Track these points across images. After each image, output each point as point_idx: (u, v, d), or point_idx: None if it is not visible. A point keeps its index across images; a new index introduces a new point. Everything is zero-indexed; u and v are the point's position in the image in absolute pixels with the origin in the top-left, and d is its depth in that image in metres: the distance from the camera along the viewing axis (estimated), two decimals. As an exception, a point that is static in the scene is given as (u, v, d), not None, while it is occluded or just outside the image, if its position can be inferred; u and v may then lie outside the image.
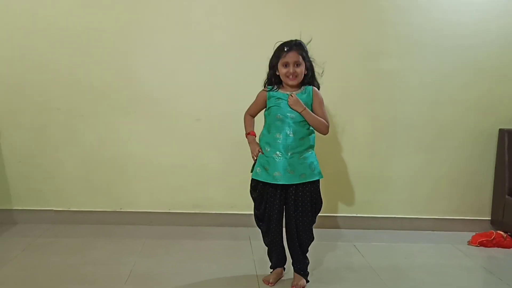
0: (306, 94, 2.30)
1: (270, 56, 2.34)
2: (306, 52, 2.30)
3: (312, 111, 2.30)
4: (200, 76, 3.17)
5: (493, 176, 3.39)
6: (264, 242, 2.45)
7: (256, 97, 2.41)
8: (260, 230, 2.46)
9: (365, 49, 3.24)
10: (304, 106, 2.26)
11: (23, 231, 3.04)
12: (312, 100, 2.31)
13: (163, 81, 3.17)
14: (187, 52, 3.15)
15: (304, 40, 2.34)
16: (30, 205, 3.20)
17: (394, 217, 3.39)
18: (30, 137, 3.14)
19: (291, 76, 2.26)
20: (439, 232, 3.38)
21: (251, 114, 2.47)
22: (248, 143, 2.43)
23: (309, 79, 2.33)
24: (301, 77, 2.29)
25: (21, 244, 2.81)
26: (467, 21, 3.24)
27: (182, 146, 3.23)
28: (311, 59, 2.32)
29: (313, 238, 2.43)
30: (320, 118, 2.30)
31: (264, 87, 2.40)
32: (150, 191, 3.25)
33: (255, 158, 2.37)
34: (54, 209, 3.21)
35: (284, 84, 2.33)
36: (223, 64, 3.17)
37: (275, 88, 2.34)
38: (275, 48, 2.31)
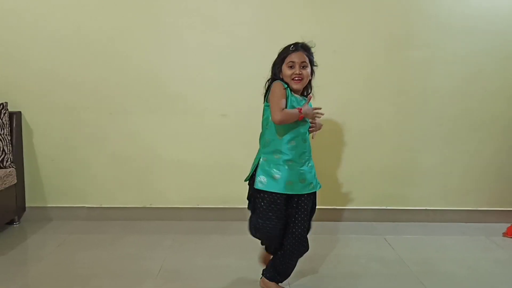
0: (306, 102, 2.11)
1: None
2: (313, 56, 2.13)
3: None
4: (225, 72, 3.17)
5: (528, 166, 3.29)
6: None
7: (278, 90, 2.06)
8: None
9: (391, 38, 3.17)
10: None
11: (58, 228, 3.12)
12: None
13: (189, 78, 3.19)
14: (212, 48, 3.16)
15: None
16: (63, 202, 3.28)
17: (425, 209, 3.33)
18: (62, 136, 3.22)
19: (296, 78, 2.06)
20: (472, 224, 3.29)
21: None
22: (305, 114, 2.06)
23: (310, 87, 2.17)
24: (306, 80, 2.10)
25: (56, 240, 2.89)
26: (498, 5, 3.13)
27: (209, 141, 3.24)
28: (314, 67, 2.15)
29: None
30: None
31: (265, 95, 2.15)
32: (179, 187, 3.29)
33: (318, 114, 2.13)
34: (87, 206, 3.29)
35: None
36: (247, 59, 3.16)
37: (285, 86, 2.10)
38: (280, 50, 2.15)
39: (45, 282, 2.34)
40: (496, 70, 3.20)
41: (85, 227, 3.16)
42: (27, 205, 3.25)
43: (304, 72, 2.06)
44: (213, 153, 3.26)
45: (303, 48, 2.10)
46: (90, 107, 3.19)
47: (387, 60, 3.19)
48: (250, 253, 2.74)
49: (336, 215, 3.32)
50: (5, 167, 2.99)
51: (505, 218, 3.26)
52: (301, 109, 2.04)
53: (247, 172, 3.46)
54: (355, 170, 3.30)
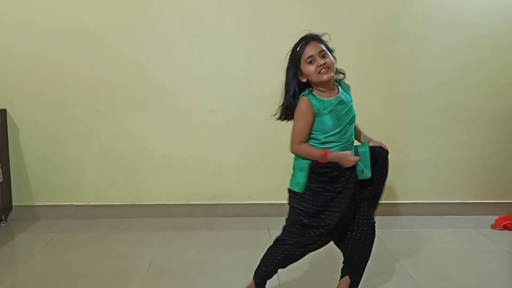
0: (347, 92, 1.97)
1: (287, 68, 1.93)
2: (327, 44, 1.92)
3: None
4: (213, 68, 3.16)
5: (515, 157, 3.32)
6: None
7: (300, 116, 1.87)
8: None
9: (379, 32, 3.18)
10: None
11: (45, 227, 3.09)
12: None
13: (177, 74, 3.17)
14: (200, 43, 3.14)
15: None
16: (51, 200, 3.25)
17: (414, 203, 3.34)
18: (49, 134, 3.18)
19: (323, 70, 1.83)
20: (461, 216, 3.31)
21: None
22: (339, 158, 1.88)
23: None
24: (333, 68, 1.87)
25: (44, 239, 2.86)
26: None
27: (198, 138, 3.23)
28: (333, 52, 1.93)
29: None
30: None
31: (281, 116, 1.96)
32: (168, 183, 3.27)
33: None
34: (75, 204, 3.26)
35: (319, 89, 1.89)
36: (236, 54, 3.14)
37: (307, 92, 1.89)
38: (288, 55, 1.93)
39: (33, 282, 2.32)
40: (483, 62, 3.22)
41: (73, 225, 3.13)
42: (14, 204, 3.21)
43: (327, 60, 1.85)
44: (202, 149, 3.24)
45: (313, 38, 1.90)
46: (77, 104, 3.16)
47: (375, 53, 3.20)
48: (239, 249, 2.74)
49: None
50: (-10, 166, 2.96)
51: (493, 210, 3.28)
52: (327, 153, 1.86)
53: (237, 167, 3.45)
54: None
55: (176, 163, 3.25)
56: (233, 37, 3.14)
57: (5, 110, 3.11)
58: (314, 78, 1.85)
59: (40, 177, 3.23)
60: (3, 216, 3.12)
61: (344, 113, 1.92)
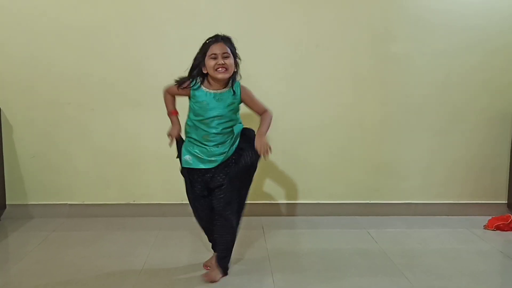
0: (233, 93, 2.20)
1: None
2: (235, 48, 2.19)
3: (238, 108, 2.25)
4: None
5: (509, 158, 3.34)
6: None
7: (176, 87, 2.26)
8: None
9: (373, 33, 3.19)
10: (262, 134, 2.20)
11: (39, 226, 3.08)
12: (241, 97, 2.23)
13: (171, 73, 3.15)
14: (194, 42, 3.12)
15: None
16: (44, 199, 3.24)
17: (408, 203, 3.36)
18: (42, 132, 3.17)
19: (220, 69, 2.11)
20: (454, 217, 3.34)
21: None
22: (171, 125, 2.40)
23: (234, 77, 2.21)
24: (231, 70, 2.15)
25: (37, 238, 2.85)
26: (477, 1, 3.17)
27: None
28: (238, 60, 2.21)
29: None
30: (266, 121, 2.25)
31: (179, 85, 2.24)
32: (163, 182, 3.26)
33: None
34: (69, 203, 3.25)
35: (210, 81, 2.20)
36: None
37: (198, 82, 2.21)
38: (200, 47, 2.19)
39: (26, 281, 2.30)
40: (478, 64, 3.24)
41: (68, 224, 3.12)
42: (7, 202, 3.20)
43: (227, 61, 2.12)
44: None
45: (224, 39, 2.17)
46: (71, 102, 3.15)
47: (369, 54, 3.21)
48: (235, 248, 2.73)
49: (318, 210, 3.33)
50: (-16, 164, 2.94)
51: (486, 210, 3.31)
52: (175, 114, 2.35)
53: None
54: (337, 163, 3.32)
55: (171, 162, 3.22)
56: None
57: (-2, 108, 3.10)
58: (211, 72, 2.14)
59: (34, 176, 3.22)
60: (-4, 215, 3.11)
61: (212, 107, 2.17)
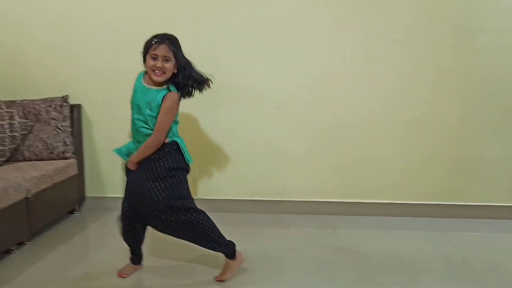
0: (159, 94, 2.11)
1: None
2: (179, 49, 2.12)
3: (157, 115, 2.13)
4: (283, 64, 3.13)
5: None
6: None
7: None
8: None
9: (455, 24, 3.01)
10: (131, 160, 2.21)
11: (115, 218, 3.19)
12: (160, 104, 2.11)
13: (246, 69, 3.17)
14: (270, 39, 3.12)
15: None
16: (121, 193, 3.34)
17: (492, 205, 3.16)
18: (119, 128, 3.26)
19: (157, 71, 2.08)
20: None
21: None
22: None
23: (182, 79, 2.14)
24: (169, 74, 2.10)
25: (115, 229, 2.92)
26: None
27: (263, 133, 3.22)
28: (187, 60, 2.15)
29: None
30: (142, 147, 2.16)
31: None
32: (233, 178, 3.28)
33: None
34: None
35: (149, 77, 2.15)
36: (307, 50, 3.08)
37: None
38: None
39: (104, 270, 2.41)
40: None
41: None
42: (87, 195, 3.36)
43: (166, 65, 2.07)
44: (268, 144, 3.24)
45: (169, 40, 2.10)
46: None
47: (450, 47, 3.04)
48: (305, 246, 2.70)
49: (394, 210, 3.20)
50: (66, 158, 3.10)
51: None
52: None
53: (303, 164, 3.39)
54: (414, 162, 3.17)
55: (242, 158, 3.25)
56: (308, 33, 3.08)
57: (80, 105, 3.25)
58: (148, 72, 2.12)
59: (111, 170, 3.34)
60: (77, 207, 3.28)
61: (135, 100, 2.16)
